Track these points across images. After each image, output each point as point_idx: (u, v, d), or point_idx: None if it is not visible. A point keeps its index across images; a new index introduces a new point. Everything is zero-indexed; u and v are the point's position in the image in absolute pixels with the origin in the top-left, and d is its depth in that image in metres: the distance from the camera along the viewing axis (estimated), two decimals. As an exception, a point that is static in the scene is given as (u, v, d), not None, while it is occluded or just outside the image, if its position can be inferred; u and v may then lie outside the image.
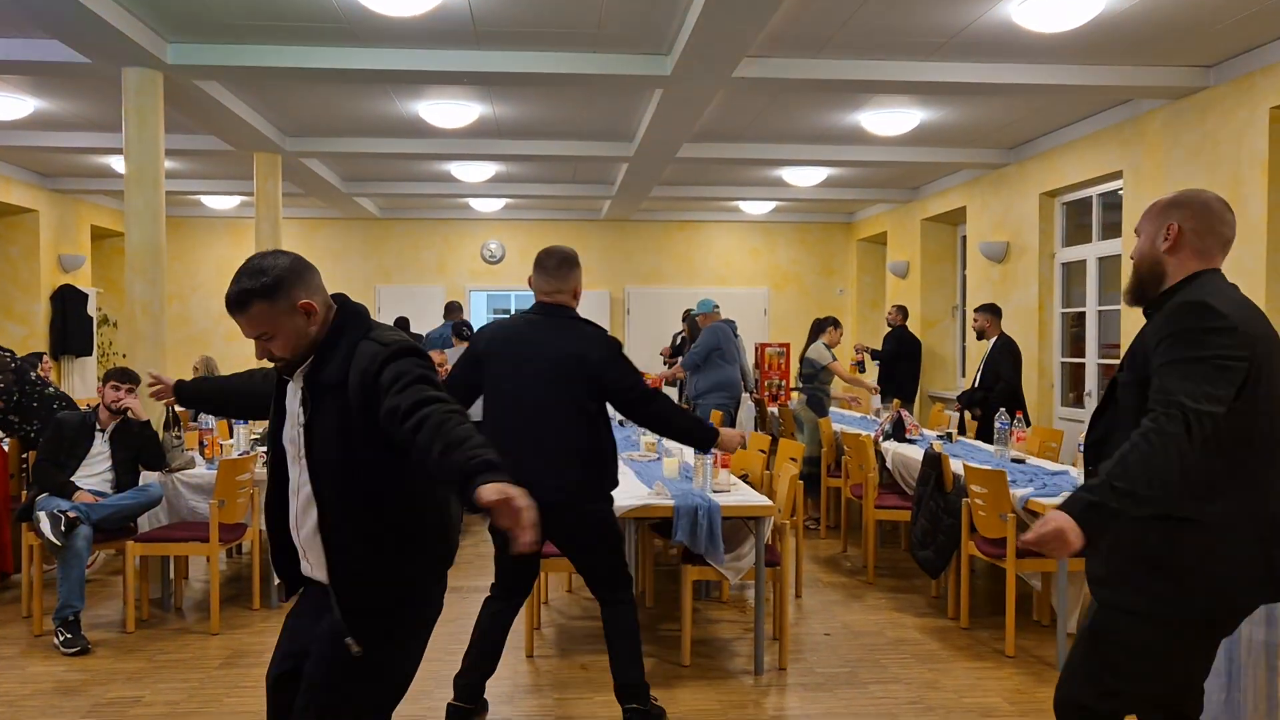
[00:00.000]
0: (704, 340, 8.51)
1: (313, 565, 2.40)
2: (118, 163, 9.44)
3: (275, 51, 6.07)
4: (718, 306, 8.90)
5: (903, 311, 10.58)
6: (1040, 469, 5.48)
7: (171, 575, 5.62)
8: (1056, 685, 2.50)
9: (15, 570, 5.75)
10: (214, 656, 4.68)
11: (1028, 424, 6.54)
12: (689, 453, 5.72)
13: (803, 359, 8.26)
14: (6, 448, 5.84)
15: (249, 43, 6.03)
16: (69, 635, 4.73)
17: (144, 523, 5.33)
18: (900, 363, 10.34)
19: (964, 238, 10.87)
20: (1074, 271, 8.72)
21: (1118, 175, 7.63)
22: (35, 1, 4.99)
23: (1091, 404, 8.24)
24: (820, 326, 8.37)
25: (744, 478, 5.49)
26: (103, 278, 12.76)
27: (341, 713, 2.34)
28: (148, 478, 5.37)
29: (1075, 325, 8.73)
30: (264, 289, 2.25)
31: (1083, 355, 8.46)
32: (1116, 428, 2.41)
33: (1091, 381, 8.28)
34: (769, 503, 4.50)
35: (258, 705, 4.07)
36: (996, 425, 6.07)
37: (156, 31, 5.84)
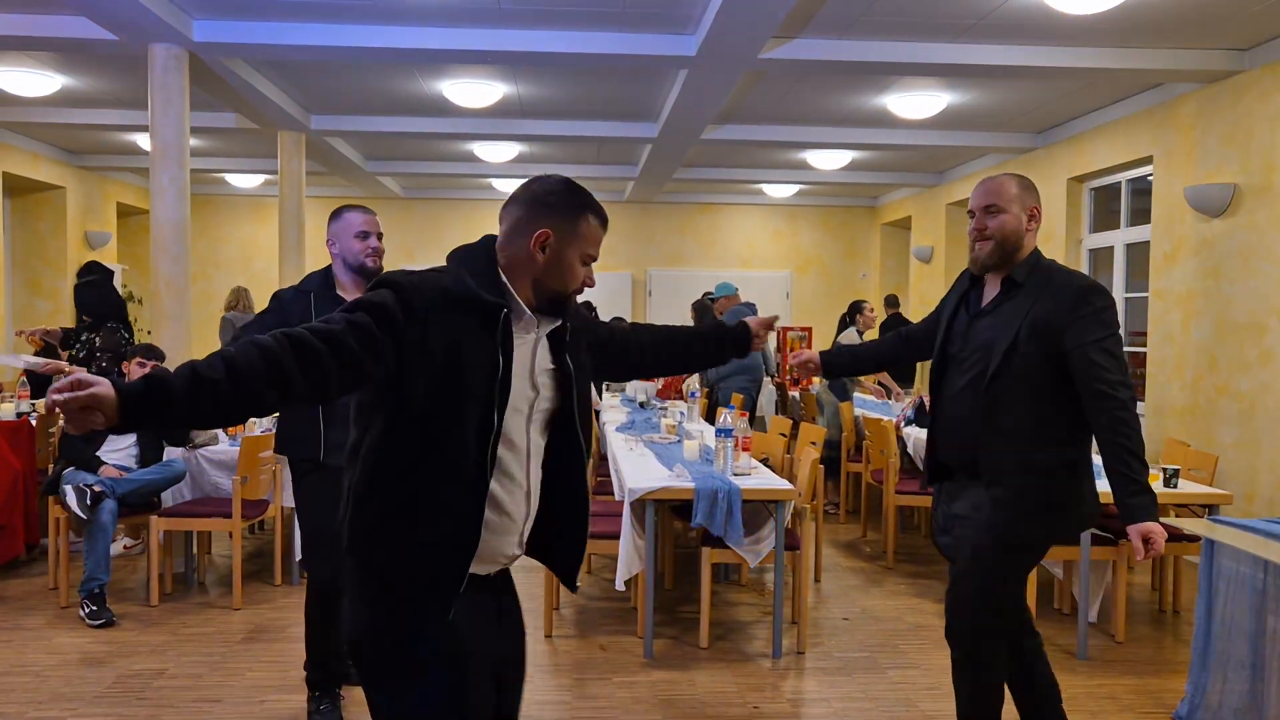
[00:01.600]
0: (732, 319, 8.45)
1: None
2: (144, 140, 9.48)
3: (299, 29, 6.06)
4: (737, 290, 8.86)
5: (892, 301, 10.89)
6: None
7: (195, 550, 5.68)
8: (948, 618, 2.99)
9: (42, 538, 5.83)
10: (236, 631, 4.73)
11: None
12: (710, 435, 5.71)
13: (835, 345, 8.27)
14: (34, 421, 5.90)
15: (273, 20, 6.03)
16: (95, 608, 4.79)
17: (168, 498, 5.38)
18: None
19: (989, 223, 10.75)
20: (1101, 258, 8.62)
21: (1148, 160, 7.52)
22: (63, -22, 5.01)
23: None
24: (853, 311, 8.37)
25: (765, 461, 5.48)
26: (128, 254, 12.85)
27: None
28: (172, 453, 5.42)
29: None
30: None
31: (1108, 342, 8.36)
32: (1008, 395, 2.81)
33: (1117, 369, 8.19)
34: (789, 486, 4.49)
35: (278, 679, 4.11)
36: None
37: (182, 8, 5.84)
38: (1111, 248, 8.35)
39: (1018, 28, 5.95)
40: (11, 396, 6.98)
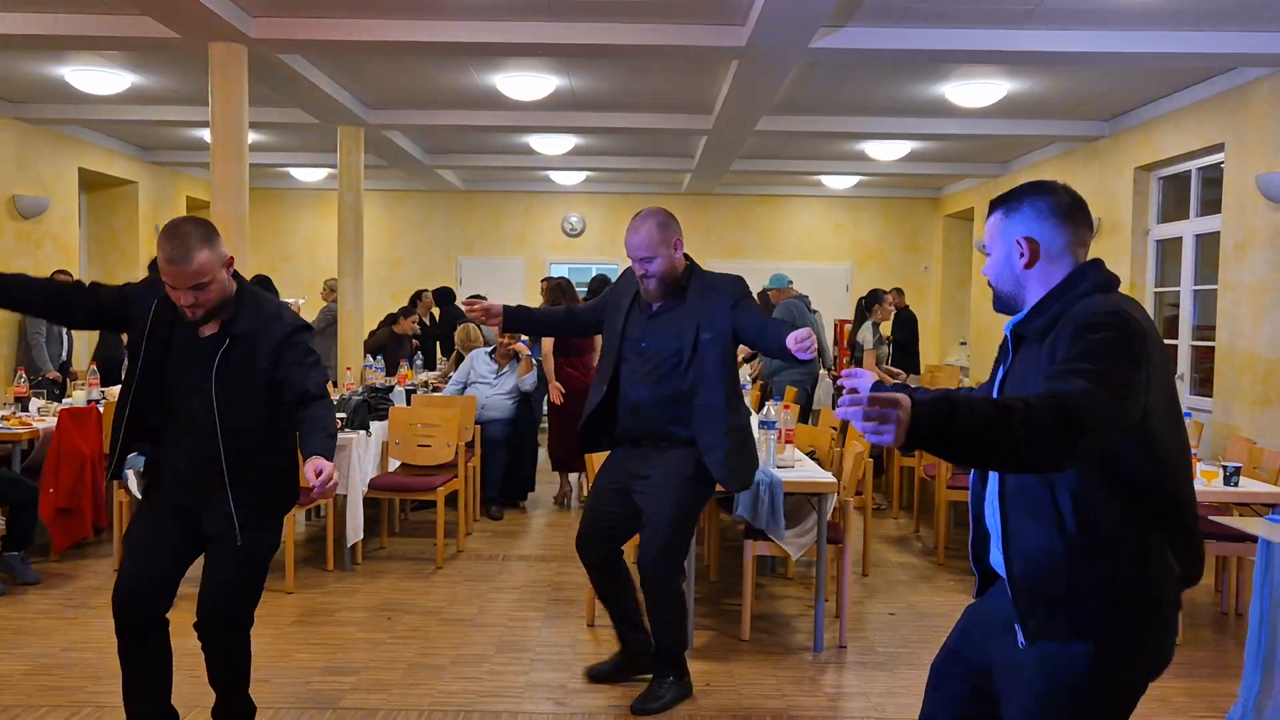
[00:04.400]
0: (781, 317, 8.38)
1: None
2: (209, 135, 9.73)
3: (354, 25, 6.17)
4: (791, 282, 8.78)
5: (901, 293, 10.95)
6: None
7: (252, 535, 5.82)
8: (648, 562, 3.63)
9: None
10: (288, 613, 4.84)
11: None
12: (756, 427, 5.67)
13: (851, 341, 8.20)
14: (102, 409, 6.11)
15: (330, 16, 6.15)
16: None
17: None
18: (911, 343, 10.71)
19: (1054, 213, 10.50)
20: (1169, 249, 8.37)
21: (1219, 148, 7.27)
22: (125, -23, 5.17)
23: (1184, 388, 7.92)
24: (871, 301, 8.21)
25: (811, 454, 5.44)
26: (199, 248, 13.19)
27: None
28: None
29: (1169, 306, 8.39)
30: None
31: (1175, 337, 8.12)
32: (700, 375, 3.66)
33: (1184, 364, 7.95)
34: (832, 479, 4.44)
35: (325, 660, 4.20)
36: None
37: (241, 6, 5.98)
38: (1180, 238, 8.10)
39: (1076, 13, 5.80)
40: (82, 384, 7.23)
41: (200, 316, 2.84)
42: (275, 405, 2.95)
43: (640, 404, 3.68)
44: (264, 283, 8.21)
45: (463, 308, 3.82)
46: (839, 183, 12.67)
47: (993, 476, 2.05)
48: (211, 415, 2.87)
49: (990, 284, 2.14)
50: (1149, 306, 8.48)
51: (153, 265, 3.02)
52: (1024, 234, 2.05)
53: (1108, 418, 1.71)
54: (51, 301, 3.00)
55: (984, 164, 11.30)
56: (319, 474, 2.71)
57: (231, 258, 2.90)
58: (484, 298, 3.87)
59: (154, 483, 3.08)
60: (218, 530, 2.94)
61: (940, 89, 7.73)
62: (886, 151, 10.38)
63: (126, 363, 3.00)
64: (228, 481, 2.89)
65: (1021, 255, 2.05)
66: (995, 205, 2.12)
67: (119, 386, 3.05)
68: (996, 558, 2.03)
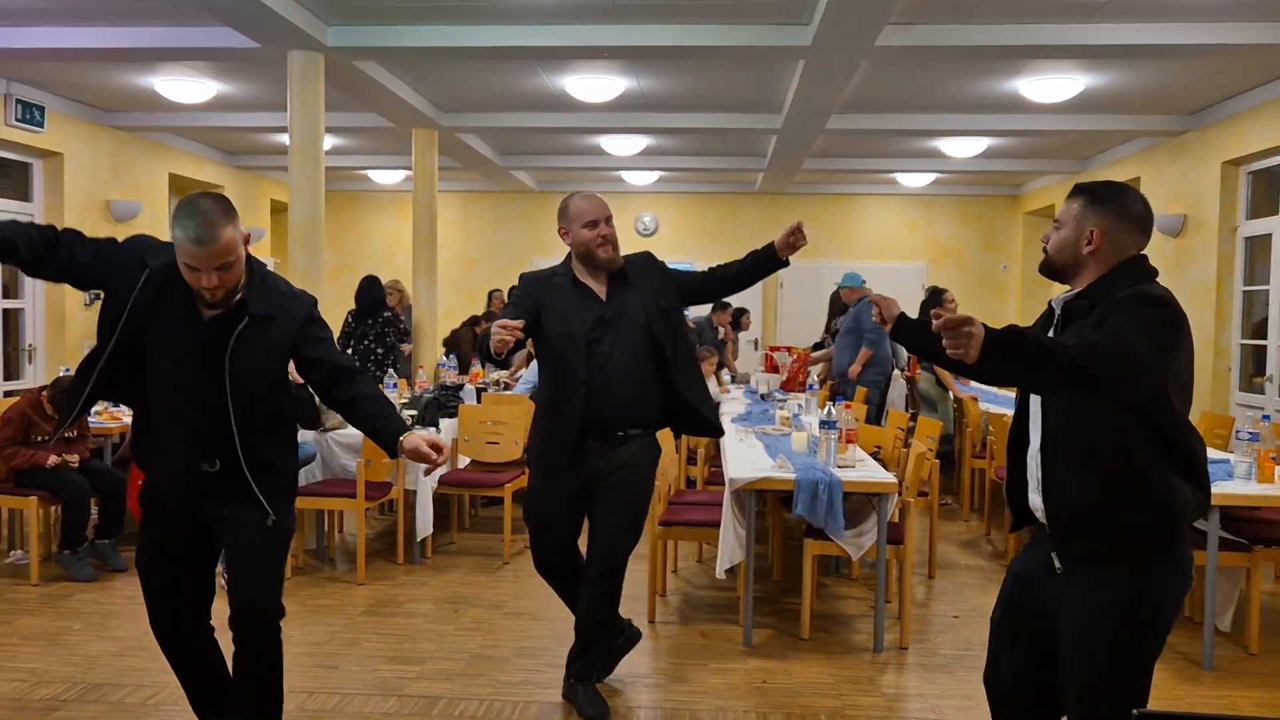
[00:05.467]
0: (857, 318, 8.27)
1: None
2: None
3: (426, 31, 6.33)
4: (865, 281, 8.68)
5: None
6: (1198, 456, 5.13)
7: (326, 528, 6.01)
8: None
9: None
10: (358, 604, 4.99)
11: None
12: (817, 427, 5.65)
13: None
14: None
15: (402, 24, 6.31)
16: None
17: (300, 478, 5.70)
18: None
19: (1137, 210, 10.20)
20: (1258, 246, 8.08)
21: (1310, 141, 7.01)
22: (208, -10, 5.40)
23: (1273, 389, 7.64)
24: (931, 302, 8.05)
25: (875, 453, 5.40)
26: (280, 249, 13.60)
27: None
28: (304, 435, 5.73)
29: (1260, 306, 8.09)
30: None
31: (1264, 337, 7.84)
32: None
33: (1273, 365, 7.67)
34: (891, 479, 4.42)
35: (392, 650, 4.32)
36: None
37: (317, 15, 6.18)
38: (1270, 235, 7.82)
39: (1152, 6, 5.65)
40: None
41: (220, 298, 2.64)
42: (284, 386, 2.85)
43: (619, 390, 3.55)
44: (373, 283, 8.47)
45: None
46: (914, 180, 12.50)
47: (1034, 433, 2.38)
48: (224, 400, 2.68)
49: (1046, 250, 2.44)
50: (1236, 306, 8.20)
51: (137, 239, 2.76)
52: (1098, 226, 2.33)
53: (1144, 365, 2.08)
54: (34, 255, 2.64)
55: (1064, 160, 11.04)
56: (437, 449, 2.73)
57: (248, 233, 2.74)
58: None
59: (151, 505, 2.88)
60: (240, 519, 2.78)
61: (1014, 85, 7.59)
62: (961, 148, 10.22)
63: (98, 332, 2.72)
64: (246, 468, 2.74)
65: (1089, 243, 2.34)
66: (1083, 190, 2.40)
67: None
68: (1036, 500, 2.37)
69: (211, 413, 2.70)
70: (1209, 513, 4.24)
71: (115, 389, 2.79)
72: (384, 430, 2.82)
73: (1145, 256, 2.36)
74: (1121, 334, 2.10)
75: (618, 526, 3.59)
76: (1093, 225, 2.34)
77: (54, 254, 2.64)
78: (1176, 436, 2.24)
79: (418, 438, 2.74)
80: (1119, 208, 2.33)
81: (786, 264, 3.73)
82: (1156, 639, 2.26)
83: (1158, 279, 2.32)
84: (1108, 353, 2.07)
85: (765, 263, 3.70)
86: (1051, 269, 2.44)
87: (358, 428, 2.92)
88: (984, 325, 1.99)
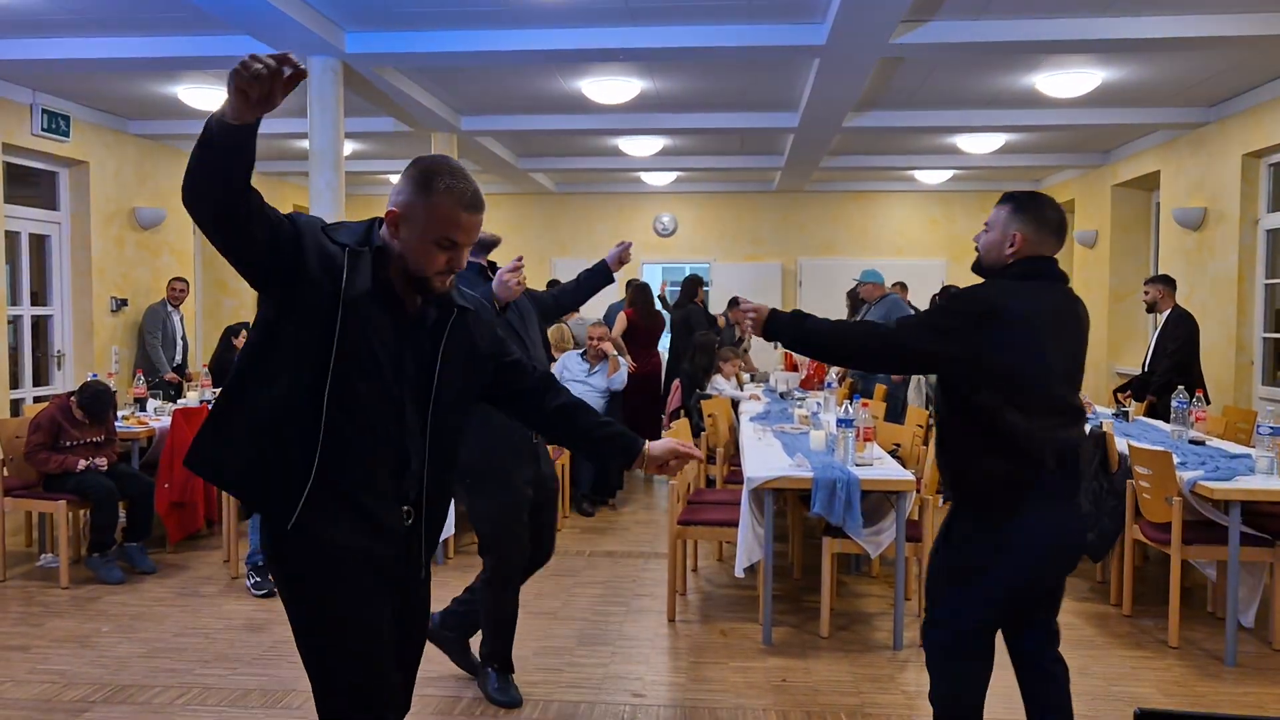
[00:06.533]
0: (881, 314, 8.24)
1: None
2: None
3: (443, 37, 6.38)
4: (884, 279, 8.66)
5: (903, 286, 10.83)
6: (1219, 451, 5.11)
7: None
8: None
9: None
10: (381, 605, 5.04)
11: (1207, 402, 6.10)
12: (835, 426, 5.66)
13: None
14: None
15: (419, 30, 6.37)
16: (258, 579, 5.21)
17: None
18: None
19: (1157, 204, 10.15)
20: (1279, 240, 8.01)
21: (1331, 132, 6.95)
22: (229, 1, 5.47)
23: (1297, 383, 7.57)
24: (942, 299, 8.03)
25: (894, 451, 5.41)
26: (304, 254, 13.74)
27: None
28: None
29: (1281, 297, 8.03)
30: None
31: (1287, 330, 7.78)
32: None
33: (1297, 359, 7.61)
34: (909, 477, 4.43)
35: (414, 651, 4.36)
36: (1173, 405, 5.70)
37: (336, 23, 6.25)
38: (1291, 228, 7.75)
39: (1168, -2, 5.63)
40: (196, 385, 7.65)
41: (448, 288, 2.14)
42: (474, 395, 2.32)
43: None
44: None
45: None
46: (932, 177, 12.46)
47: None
48: (424, 412, 2.11)
49: (978, 249, 2.82)
50: (1258, 299, 8.13)
51: (309, 218, 2.09)
52: (1020, 231, 2.69)
53: (894, 346, 2.67)
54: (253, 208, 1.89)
55: (1084, 154, 10.98)
56: (686, 456, 2.34)
57: None
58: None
59: (356, 542, 2.09)
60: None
61: (1031, 80, 7.56)
62: (979, 144, 10.18)
63: (295, 342, 2.01)
64: (425, 522, 2.19)
65: (1012, 245, 2.71)
66: (1009, 198, 2.75)
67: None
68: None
69: (408, 429, 2.10)
70: (1230, 507, 4.23)
71: (341, 405, 2.01)
72: (621, 436, 2.34)
73: (1048, 258, 2.71)
74: (896, 321, 2.70)
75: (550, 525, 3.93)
76: (1015, 229, 2.70)
77: (265, 204, 1.90)
78: (991, 416, 2.59)
79: (661, 449, 2.33)
80: (1037, 215, 2.69)
81: (612, 280, 4.45)
82: (989, 580, 2.72)
83: (1066, 282, 2.72)
84: (857, 334, 2.77)
85: (597, 276, 4.36)
86: (980, 267, 2.81)
87: (577, 441, 2.39)
88: (773, 311, 2.73)
